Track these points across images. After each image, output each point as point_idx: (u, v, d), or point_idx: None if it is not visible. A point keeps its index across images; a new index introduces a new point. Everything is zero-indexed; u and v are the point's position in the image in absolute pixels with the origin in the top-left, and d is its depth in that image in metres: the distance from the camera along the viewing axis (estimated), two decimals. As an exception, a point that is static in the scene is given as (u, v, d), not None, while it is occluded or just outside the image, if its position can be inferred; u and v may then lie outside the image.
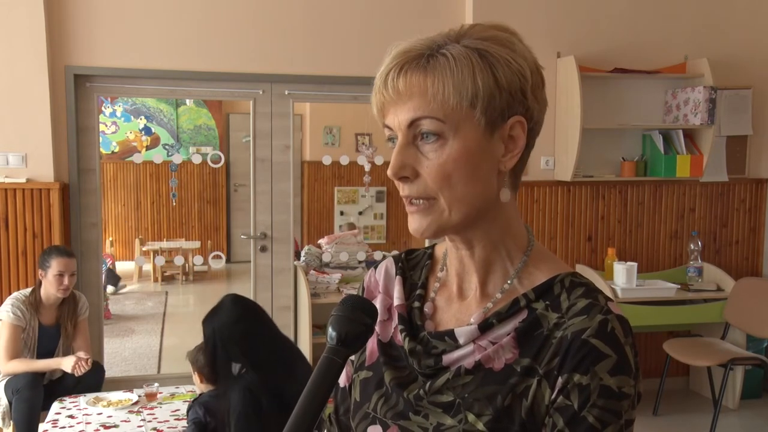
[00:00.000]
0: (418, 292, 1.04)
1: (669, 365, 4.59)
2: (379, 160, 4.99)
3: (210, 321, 2.70)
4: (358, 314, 0.89)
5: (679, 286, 4.52)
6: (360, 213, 7.78)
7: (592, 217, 4.79)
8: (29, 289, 3.81)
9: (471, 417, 0.90)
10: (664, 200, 4.89)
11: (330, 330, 0.87)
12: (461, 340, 0.94)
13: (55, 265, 3.72)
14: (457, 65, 0.87)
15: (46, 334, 3.80)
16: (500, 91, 0.88)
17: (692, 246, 4.71)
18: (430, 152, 0.89)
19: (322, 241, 5.20)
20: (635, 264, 4.44)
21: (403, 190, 0.92)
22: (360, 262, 5.04)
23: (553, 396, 0.87)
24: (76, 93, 4.26)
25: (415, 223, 0.93)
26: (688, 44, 4.74)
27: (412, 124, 0.89)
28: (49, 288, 3.75)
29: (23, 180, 4.12)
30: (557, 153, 4.63)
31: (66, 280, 3.74)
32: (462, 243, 0.97)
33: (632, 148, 4.78)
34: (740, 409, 4.59)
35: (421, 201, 0.91)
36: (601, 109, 4.61)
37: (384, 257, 5.27)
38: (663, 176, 4.64)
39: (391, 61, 0.91)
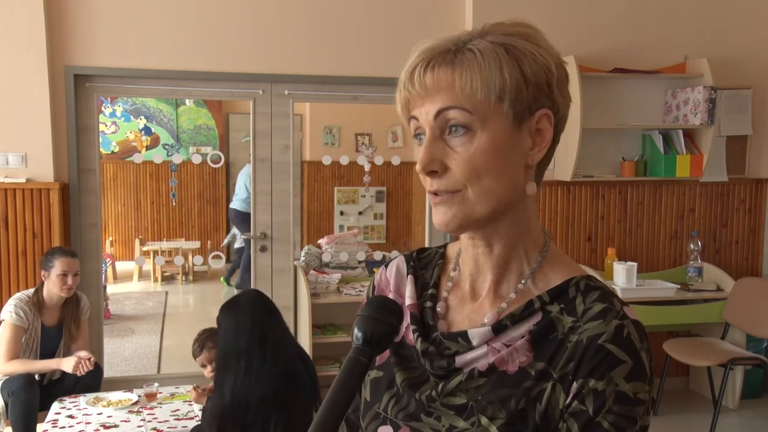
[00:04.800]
0: (430, 291, 1.03)
1: (669, 365, 4.60)
2: (378, 160, 4.99)
3: (229, 311, 2.68)
4: (383, 314, 0.89)
5: (679, 286, 4.52)
6: (360, 213, 7.78)
7: (592, 217, 4.80)
8: (32, 290, 3.80)
9: (484, 420, 0.89)
10: (664, 200, 4.89)
11: (356, 330, 0.88)
12: (474, 342, 0.93)
13: (58, 265, 3.71)
14: (484, 59, 0.88)
15: (48, 334, 3.79)
16: (527, 84, 0.89)
17: (692, 246, 4.71)
18: (459, 145, 0.89)
19: (321, 241, 5.20)
20: (635, 264, 4.44)
21: (431, 184, 0.91)
22: (360, 262, 5.04)
23: (568, 401, 0.87)
24: (76, 93, 4.26)
25: (439, 215, 0.92)
26: (688, 44, 4.75)
27: (439, 114, 0.89)
28: (52, 288, 3.73)
29: (23, 180, 4.12)
30: (557, 153, 4.55)
31: (70, 280, 3.72)
32: (481, 240, 0.96)
33: (632, 148, 4.78)
34: (740, 409, 4.59)
35: (446, 193, 0.91)
36: (600, 109, 4.61)
37: (384, 257, 5.28)
38: (663, 176, 4.64)
39: (417, 58, 0.92)
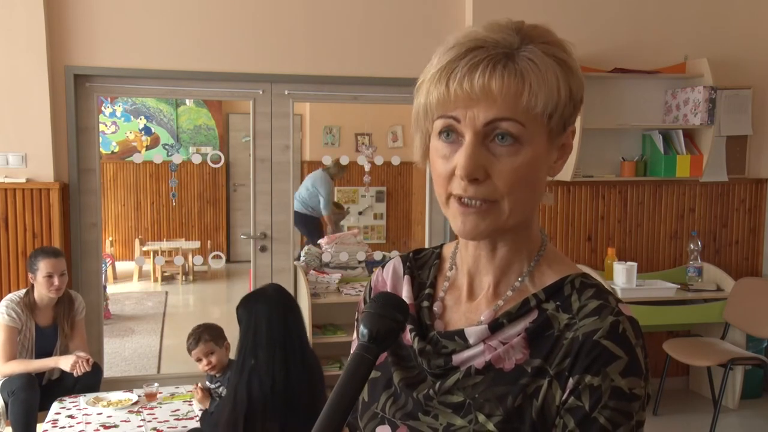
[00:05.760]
0: (426, 291, 1.03)
1: (669, 365, 4.59)
2: (378, 160, 4.99)
3: (257, 302, 2.63)
4: (389, 311, 0.89)
5: (679, 286, 4.52)
6: (360, 213, 7.78)
7: (592, 217, 4.80)
8: (23, 291, 3.79)
9: (481, 417, 0.90)
10: (664, 200, 4.89)
11: (362, 327, 0.88)
12: (471, 340, 0.94)
13: (43, 267, 3.68)
14: (547, 74, 0.87)
15: (43, 334, 3.79)
16: (570, 102, 0.89)
17: (692, 246, 4.71)
18: (504, 155, 0.87)
19: (321, 241, 5.20)
20: (635, 264, 4.44)
21: (466, 190, 0.88)
22: (360, 262, 5.04)
23: (564, 397, 0.87)
24: (76, 93, 4.26)
25: (469, 224, 0.89)
26: (688, 44, 4.75)
27: (491, 123, 0.86)
28: (41, 290, 3.72)
29: (23, 180, 4.12)
30: (557, 153, 4.62)
31: (56, 281, 3.70)
32: (487, 244, 0.96)
33: (632, 148, 4.78)
34: (740, 409, 4.59)
35: (479, 202, 0.88)
36: (600, 109, 4.61)
37: (384, 257, 5.26)
38: (663, 176, 4.64)
39: (470, 55, 0.87)
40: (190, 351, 3.26)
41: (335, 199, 6.66)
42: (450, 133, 0.89)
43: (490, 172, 0.87)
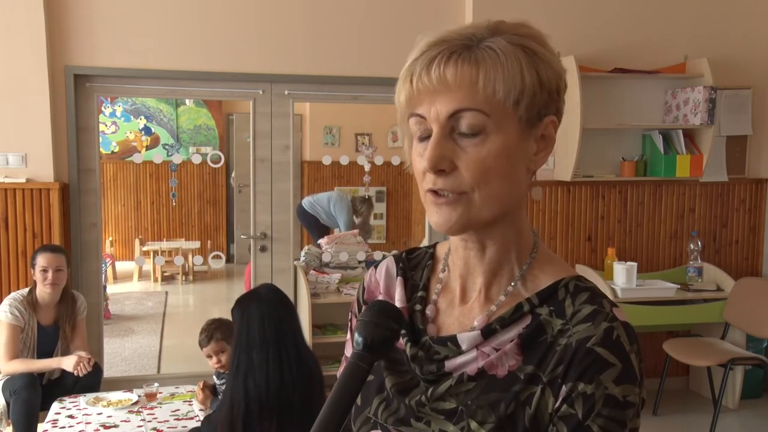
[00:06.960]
0: (419, 293, 1.01)
1: (669, 365, 4.59)
2: (378, 160, 4.99)
3: (251, 302, 2.62)
4: (384, 319, 0.89)
5: (679, 286, 4.52)
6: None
7: (592, 217, 4.79)
8: (26, 290, 3.81)
9: (474, 424, 0.88)
10: (664, 200, 4.89)
11: (357, 335, 0.87)
12: (464, 346, 0.92)
13: (39, 261, 3.73)
14: (507, 60, 0.86)
15: (45, 334, 3.79)
16: (542, 90, 0.88)
17: (692, 246, 4.71)
18: (470, 146, 0.87)
19: (321, 241, 5.20)
20: (635, 264, 4.44)
21: (435, 183, 0.88)
22: (360, 262, 5.04)
23: (557, 404, 0.86)
24: (76, 93, 4.26)
25: (442, 216, 0.90)
26: (688, 44, 4.74)
27: (454, 115, 0.86)
28: (39, 285, 3.75)
29: (23, 180, 4.12)
30: (557, 153, 4.63)
31: (50, 275, 3.72)
32: (474, 242, 0.95)
33: (632, 148, 4.78)
34: (740, 409, 4.59)
35: (451, 194, 0.89)
36: (600, 109, 4.61)
37: (384, 257, 5.24)
38: (663, 176, 4.64)
39: (432, 49, 0.88)
40: (201, 346, 3.26)
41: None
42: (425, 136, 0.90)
43: (458, 163, 0.87)
